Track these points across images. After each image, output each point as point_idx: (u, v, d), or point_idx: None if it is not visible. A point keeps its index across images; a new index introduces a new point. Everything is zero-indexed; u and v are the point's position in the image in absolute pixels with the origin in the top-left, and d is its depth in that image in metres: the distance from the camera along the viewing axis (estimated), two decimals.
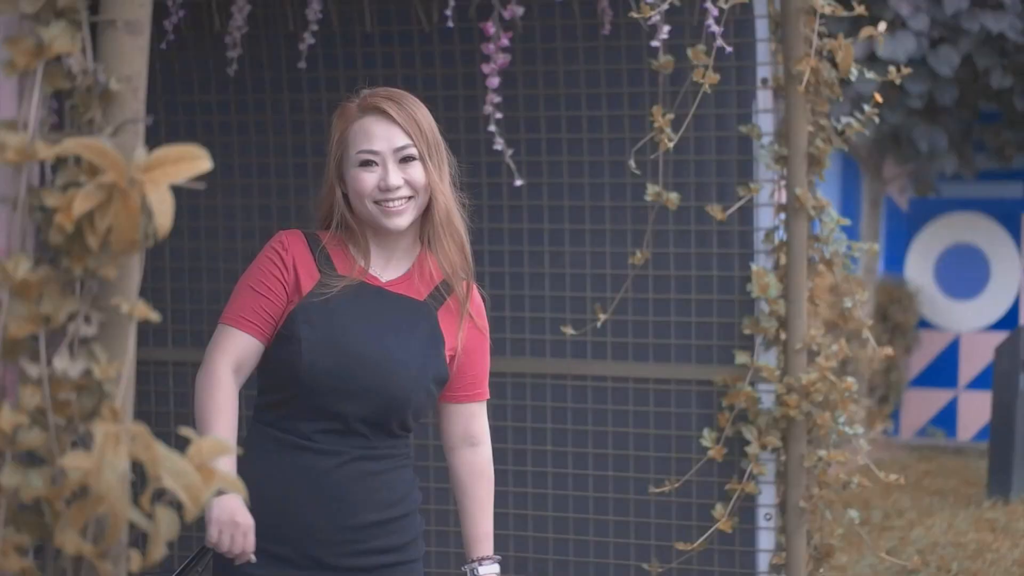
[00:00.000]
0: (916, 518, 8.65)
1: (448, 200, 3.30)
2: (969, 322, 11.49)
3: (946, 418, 11.48)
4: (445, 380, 3.36)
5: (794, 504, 4.70)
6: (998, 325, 11.28)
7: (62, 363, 1.99)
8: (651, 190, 4.66)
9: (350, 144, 3.27)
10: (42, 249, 2.04)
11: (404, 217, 3.26)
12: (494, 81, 4.59)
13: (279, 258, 3.28)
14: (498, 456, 5.16)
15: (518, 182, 4.86)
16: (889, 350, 4.77)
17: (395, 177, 3.23)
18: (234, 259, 5.34)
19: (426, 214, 3.31)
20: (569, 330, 4.90)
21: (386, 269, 3.35)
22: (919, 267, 11.63)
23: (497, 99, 4.62)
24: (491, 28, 4.53)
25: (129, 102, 2.05)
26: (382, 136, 3.24)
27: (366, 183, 3.24)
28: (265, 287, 3.27)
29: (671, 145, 4.49)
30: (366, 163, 3.25)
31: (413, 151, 3.25)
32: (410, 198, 3.25)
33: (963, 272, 11.49)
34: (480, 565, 3.44)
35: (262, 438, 3.30)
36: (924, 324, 11.53)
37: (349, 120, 3.29)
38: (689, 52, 4.48)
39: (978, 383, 11.26)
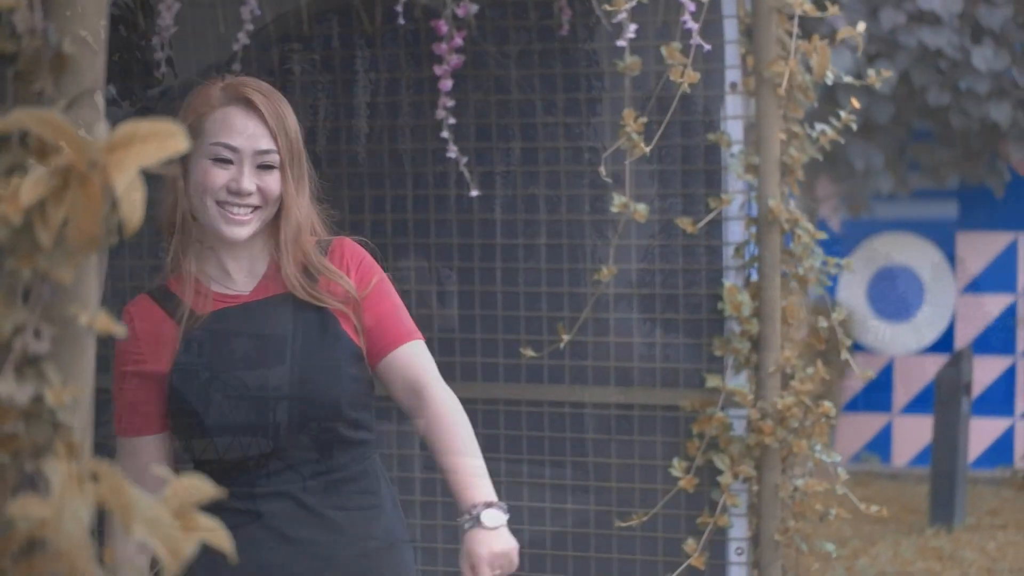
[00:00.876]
0: (860, 547, 8.47)
1: (301, 217, 2.96)
2: (903, 345, 11.34)
3: (881, 443, 11.33)
4: (360, 353, 2.98)
5: (768, 537, 4.45)
6: (933, 348, 11.14)
7: (7, 387, 1.66)
8: (618, 201, 4.36)
9: (206, 132, 2.91)
10: None
11: (246, 228, 2.92)
12: (447, 84, 4.28)
13: (128, 341, 2.95)
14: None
15: (474, 193, 4.56)
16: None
17: (248, 182, 2.89)
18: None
19: (275, 226, 2.97)
20: (530, 352, 4.60)
21: (244, 278, 3.00)
22: (851, 289, 11.48)
23: (450, 103, 4.31)
24: (443, 27, 4.22)
25: (87, 68, 1.72)
26: (245, 133, 2.90)
27: (214, 179, 2.89)
28: (128, 381, 2.96)
29: (647, 151, 4.21)
30: (220, 159, 2.90)
31: (275, 158, 2.91)
32: (257, 208, 2.91)
33: (897, 294, 11.35)
34: (475, 510, 2.96)
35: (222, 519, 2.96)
36: (857, 347, 11.36)
37: (209, 105, 2.93)
38: (664, 50, 4.22)
39: (913, 407, 11.12)
